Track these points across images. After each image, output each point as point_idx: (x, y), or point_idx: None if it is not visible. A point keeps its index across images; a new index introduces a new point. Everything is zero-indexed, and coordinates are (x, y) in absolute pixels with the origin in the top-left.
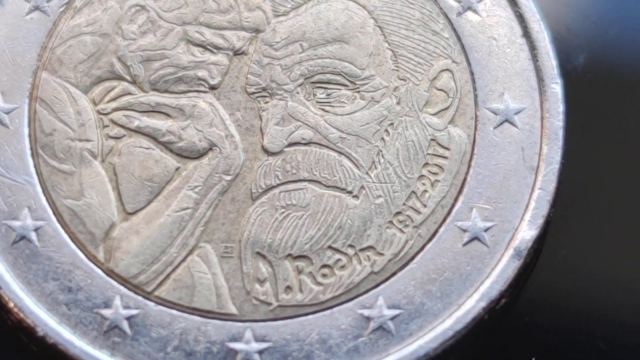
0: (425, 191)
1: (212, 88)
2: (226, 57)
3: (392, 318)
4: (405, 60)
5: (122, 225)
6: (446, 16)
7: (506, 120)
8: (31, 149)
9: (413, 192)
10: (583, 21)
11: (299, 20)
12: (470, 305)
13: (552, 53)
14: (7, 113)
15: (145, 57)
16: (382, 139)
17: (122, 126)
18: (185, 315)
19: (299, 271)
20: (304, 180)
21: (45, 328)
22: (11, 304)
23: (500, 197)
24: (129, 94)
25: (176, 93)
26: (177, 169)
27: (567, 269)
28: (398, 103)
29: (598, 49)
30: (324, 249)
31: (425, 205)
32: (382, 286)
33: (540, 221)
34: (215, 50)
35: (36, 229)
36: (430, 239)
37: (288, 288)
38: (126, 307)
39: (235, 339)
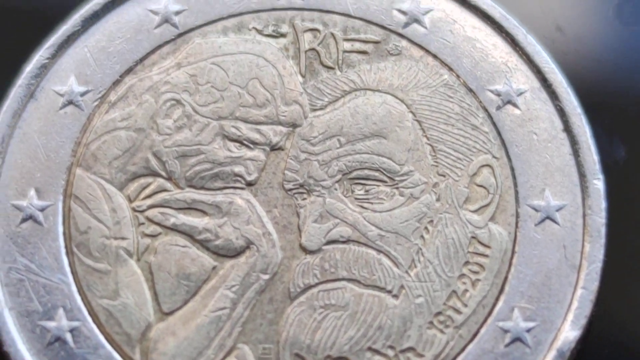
0: (466, 290)
1: (249, 184)
2: (263, 152)
3: None
4: (444, 155)
5: (159, 325)
6: (486, 110)
7: (547, 217)
8: (66, 247)
9: (454, 291)
10: (623, 114)
11: (336, 115)
12: None
13: (593, 148)
14: (42, 210)
15: (181, 153)
16: (422, 236)
17: (158, 224)
18: None
19: None
20: (343, 279)
21: None
22: None
23: (542, 296)
24: (165, 190)
25: (212, 189)
26: (214, 267)
27: None
28: (438, 199)
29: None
30: (364, 350)
31: (466, 305)
32: None
33: (583, 321)
34: (252, 146)
35: (71, 330)
36: (471, 340)
37: None
38: None
39: None
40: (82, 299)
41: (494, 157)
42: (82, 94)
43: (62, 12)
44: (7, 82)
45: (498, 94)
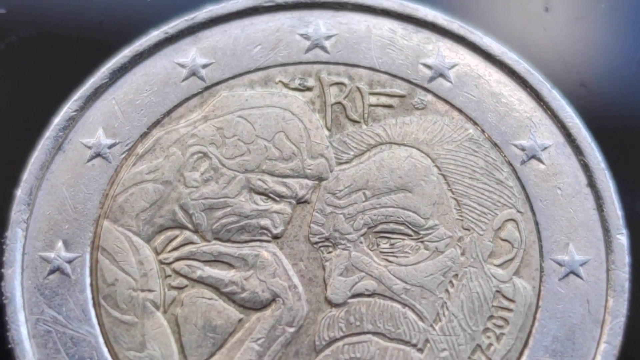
0: (491, 344)
1: (275, 237)
2: (289, 205)
3: None
4: (469, 209)
5: None
6: (510, 164)
7: (571, 272)
8: (93, 299)
9: (478, 345)
10: None
11: (362, 168)
12: None
13: (617, 203)
14: (69, 262)
15: (207, 206)
16: (447, 290)
17: (185, 276)
18: None
19: None
20: (368, 332)
21: None
22: None
23: (566, 350)
24: (191, 243)
25: (239, 242)
26: (240, 320)
27: None
28: (462, 254)
29: None
30: None
31: (490, 359)
32: None
33: None
34: (278, 199)
35: None
36: None
37: None
38: None
39: None
40: (109, 351)
41: (518, 211)
42: (110, 147)
43: (90, 65)
44: (35, 134)
45: (523, 149)
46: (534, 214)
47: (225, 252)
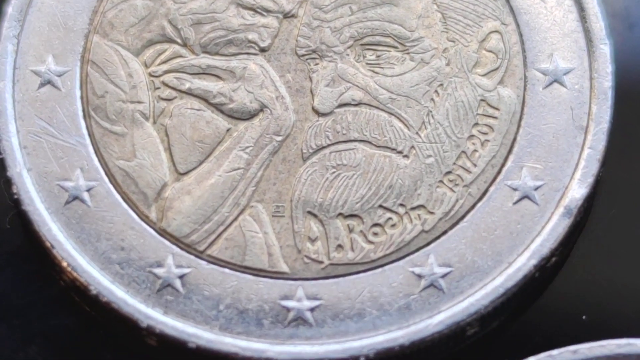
0: (475, 151)
1: (263, 50)
2: (276, 19)
3: (443, 276)
4: (454, 22)
5: (174, 185)
6: None
7: (555, 81)
8: (83, 110)
9: (463, 151)
10: None
11: None
12: (521, 262)
13: (600, 14)
14: (59, 76)
15: (195, 20)
16: (432, 99)
17: (174, 88)
18: (237, 273)
19: (350, 230)
20: (355, 140)
21: (99, 287)
22: (64, 263)
23: (550, 156)
24: (180, 56)
25: (227, 55)
26: (228, 130)
27: (616, 228)
28: (447, 64)
29: None
30: (375, 208)
31: (475, 165)
32: (433, 244)
33: (590, 180)
34: (265, 13)
35: (89, 190)
36: (480, 198)
37: (339, 247)
38: (178, 266)
39: (287, 297)
40: (99, 160)
41: (502, 23)
42: None
43: None
44: None
45: None
46: (518, 25)
47: (213, 64)
